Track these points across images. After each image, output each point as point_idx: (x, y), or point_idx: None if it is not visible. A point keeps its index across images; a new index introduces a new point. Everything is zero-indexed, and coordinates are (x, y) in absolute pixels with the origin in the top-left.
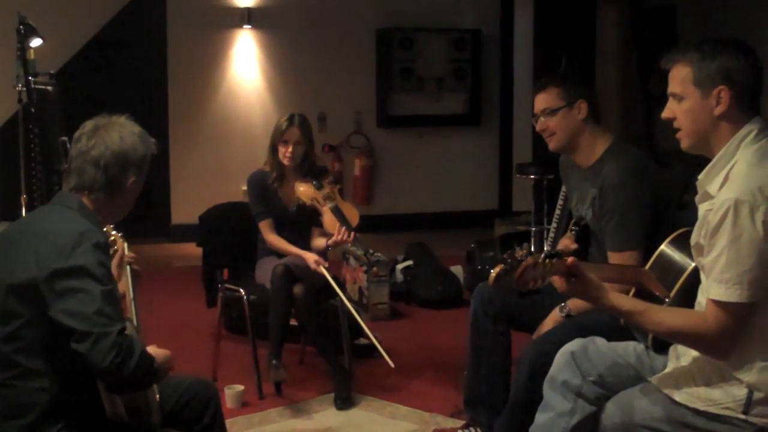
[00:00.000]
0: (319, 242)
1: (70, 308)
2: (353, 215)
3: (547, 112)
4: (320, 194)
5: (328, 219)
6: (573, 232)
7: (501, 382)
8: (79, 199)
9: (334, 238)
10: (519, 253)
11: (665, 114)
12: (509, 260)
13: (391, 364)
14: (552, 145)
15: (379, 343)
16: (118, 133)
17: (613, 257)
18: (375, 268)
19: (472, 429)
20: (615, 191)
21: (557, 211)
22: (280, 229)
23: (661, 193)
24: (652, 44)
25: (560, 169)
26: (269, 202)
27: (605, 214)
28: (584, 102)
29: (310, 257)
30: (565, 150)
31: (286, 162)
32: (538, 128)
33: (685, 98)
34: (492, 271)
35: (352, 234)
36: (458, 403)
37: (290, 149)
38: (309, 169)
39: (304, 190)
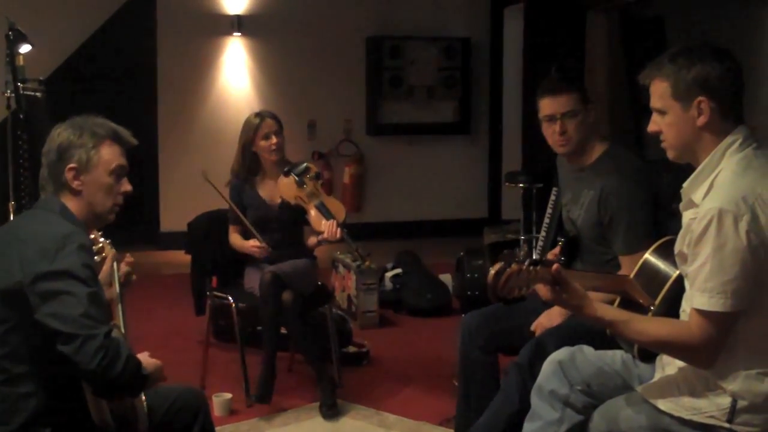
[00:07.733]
0: (311, 240)
1: (56, 311)
2: (339, 210)
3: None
4: (304, 192)
5: (315, 217)
6: (560, 244)
7: None
8: (61, 203)
9: (323, 235)
10: (519, 254)
11: (651, 128)
12: (509, 259)
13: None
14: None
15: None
16: (59, 129)
17: (625, 260)
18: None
19: None
20: (619, 196)
21: (546, 220)
22: (266, 231)
23: (658, 198)
24: (640, 54)
25: (557, 164)
26: (250, 204)
27: (610, 219)
28: (593, 106)
29: (252, 245)
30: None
31: (273, 157)
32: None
33: (667, 112)
34: (491, 269)
35: (340, 230)
36: (446, 412)
37: (274, 141)
38: (284, 162)
39: (287, 188)
